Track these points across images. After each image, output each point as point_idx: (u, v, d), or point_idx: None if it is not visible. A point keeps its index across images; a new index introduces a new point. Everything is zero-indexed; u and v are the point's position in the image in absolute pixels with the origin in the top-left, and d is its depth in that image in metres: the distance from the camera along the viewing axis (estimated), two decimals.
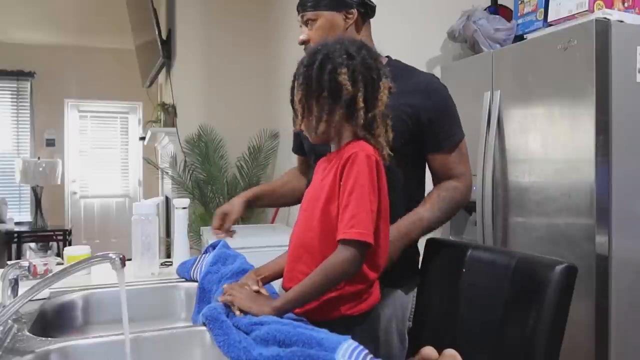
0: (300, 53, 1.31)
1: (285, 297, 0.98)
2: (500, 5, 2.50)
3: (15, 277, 1.18)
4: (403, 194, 1.28)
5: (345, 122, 1.02)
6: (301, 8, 1.38)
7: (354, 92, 1.00)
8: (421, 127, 1.31)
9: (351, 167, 0.96)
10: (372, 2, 1.40)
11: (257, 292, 1.03)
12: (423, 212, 1.29)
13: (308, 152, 1.51)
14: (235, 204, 1.49)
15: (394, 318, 1.29)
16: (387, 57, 1.40)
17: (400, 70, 1.35)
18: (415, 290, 1.37)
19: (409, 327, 1.36)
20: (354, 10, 1.36)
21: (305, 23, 1.37)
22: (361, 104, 1.01)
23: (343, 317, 0.99)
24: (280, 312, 0.94)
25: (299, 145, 1.60)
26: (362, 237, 0.93)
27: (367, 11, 1.39)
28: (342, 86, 1.00)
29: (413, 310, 1.37)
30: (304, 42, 1.38)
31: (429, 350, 0.62)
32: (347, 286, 0.99)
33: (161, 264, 1.69)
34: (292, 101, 1.08)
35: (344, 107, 1.01)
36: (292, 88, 1.08)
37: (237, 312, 0.96)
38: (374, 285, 1.04)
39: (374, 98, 1.02)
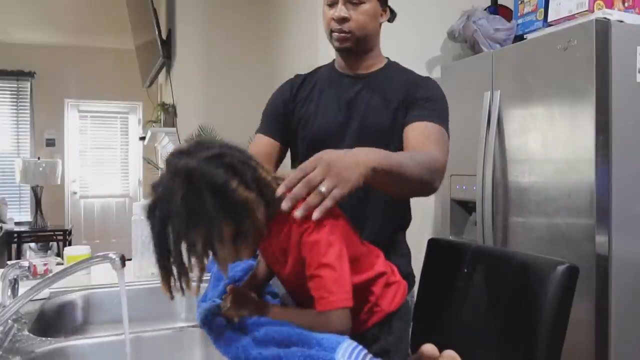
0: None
1: (278, 315, 0.92)
2: (500, 5, 2.50)
3: (15, 277, 1.18)
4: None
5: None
6: None
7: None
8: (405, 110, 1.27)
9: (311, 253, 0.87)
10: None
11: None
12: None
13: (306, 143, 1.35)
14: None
15: None
16: (387, 58, 1.40)
17: (397, 72, 1.36)
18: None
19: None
20: (388, 11, 1.34)
21: (349, 1, 1.26)
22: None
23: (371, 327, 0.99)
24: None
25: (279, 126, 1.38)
26: (344, 304, 0.86)
27: (390, 18, 1.38)
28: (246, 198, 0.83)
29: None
30: (344, 20, 1.25)
31: (429, 348, 0.61)
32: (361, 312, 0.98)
33: None
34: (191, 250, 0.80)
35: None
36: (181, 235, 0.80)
37: (236, 319, 0.95)
38: (378, 283, 1.00)
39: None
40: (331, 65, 1.41)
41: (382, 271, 1.01)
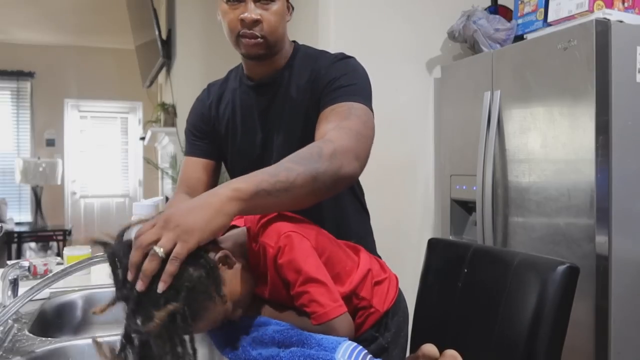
0: None
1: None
2: (500, 5, 2.50)
3: (15, 277, 1.18)
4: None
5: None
6: None
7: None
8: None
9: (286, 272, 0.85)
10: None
11: None
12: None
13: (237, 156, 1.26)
14: None
15: None
16: (293, 42, 1.24)
17: (302, 64, 1.19)
18: None
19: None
20: (291, 9, 1.19)
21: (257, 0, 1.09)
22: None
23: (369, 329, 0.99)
24: None
25: (209, 145, 1.29)
26: (338, 312, 0.85)
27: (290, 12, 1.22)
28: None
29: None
30: (256, 22, 1.07)
31: (429, 347, 0.61)
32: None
33: None
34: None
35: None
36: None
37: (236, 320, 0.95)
38: (362, 285, 0.98)
39: None
40: (241, 71, 1.25)
41: (365, 272, 0.97)
